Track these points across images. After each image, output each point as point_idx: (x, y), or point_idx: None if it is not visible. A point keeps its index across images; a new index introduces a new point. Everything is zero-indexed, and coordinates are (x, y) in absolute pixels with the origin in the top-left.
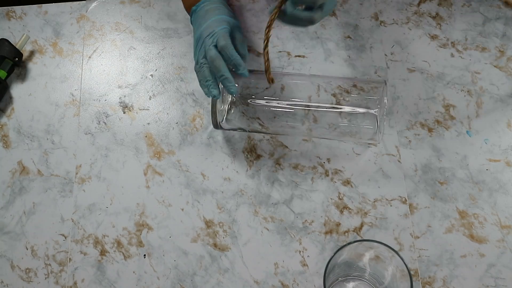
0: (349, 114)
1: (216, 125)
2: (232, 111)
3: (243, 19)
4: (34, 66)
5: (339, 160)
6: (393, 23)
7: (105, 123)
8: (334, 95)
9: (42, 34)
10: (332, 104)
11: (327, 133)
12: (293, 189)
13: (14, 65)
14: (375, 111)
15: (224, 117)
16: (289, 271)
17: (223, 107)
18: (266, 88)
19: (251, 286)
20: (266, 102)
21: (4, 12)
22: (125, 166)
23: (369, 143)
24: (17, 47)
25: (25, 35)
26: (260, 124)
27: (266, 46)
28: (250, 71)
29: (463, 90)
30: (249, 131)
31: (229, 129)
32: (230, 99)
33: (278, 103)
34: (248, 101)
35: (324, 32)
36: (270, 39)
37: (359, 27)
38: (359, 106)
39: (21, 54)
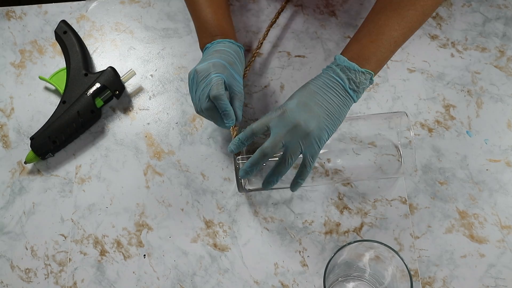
0: (372, 153)
1: (241, 188)
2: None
3: (243, 19)
4: (34, 66)
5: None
6: None
7: (105, 123)
8: (352, 138)
9: (42, 34)
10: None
11: (352, 178)
12: None
13: (112, 97)
14: (397, 144)
15: (247, 180)
16: (289, 271)
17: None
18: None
19: (251, 286)
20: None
21: (4, 12)
22: (125, 166)
23: (398, 176)
24: (121, 79)
25: (131, 70)
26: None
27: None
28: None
29: (463, 90)
30: (273, 189)
31: (254, 190)
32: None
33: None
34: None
35: (324, 32)
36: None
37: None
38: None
39: (123, 88)
